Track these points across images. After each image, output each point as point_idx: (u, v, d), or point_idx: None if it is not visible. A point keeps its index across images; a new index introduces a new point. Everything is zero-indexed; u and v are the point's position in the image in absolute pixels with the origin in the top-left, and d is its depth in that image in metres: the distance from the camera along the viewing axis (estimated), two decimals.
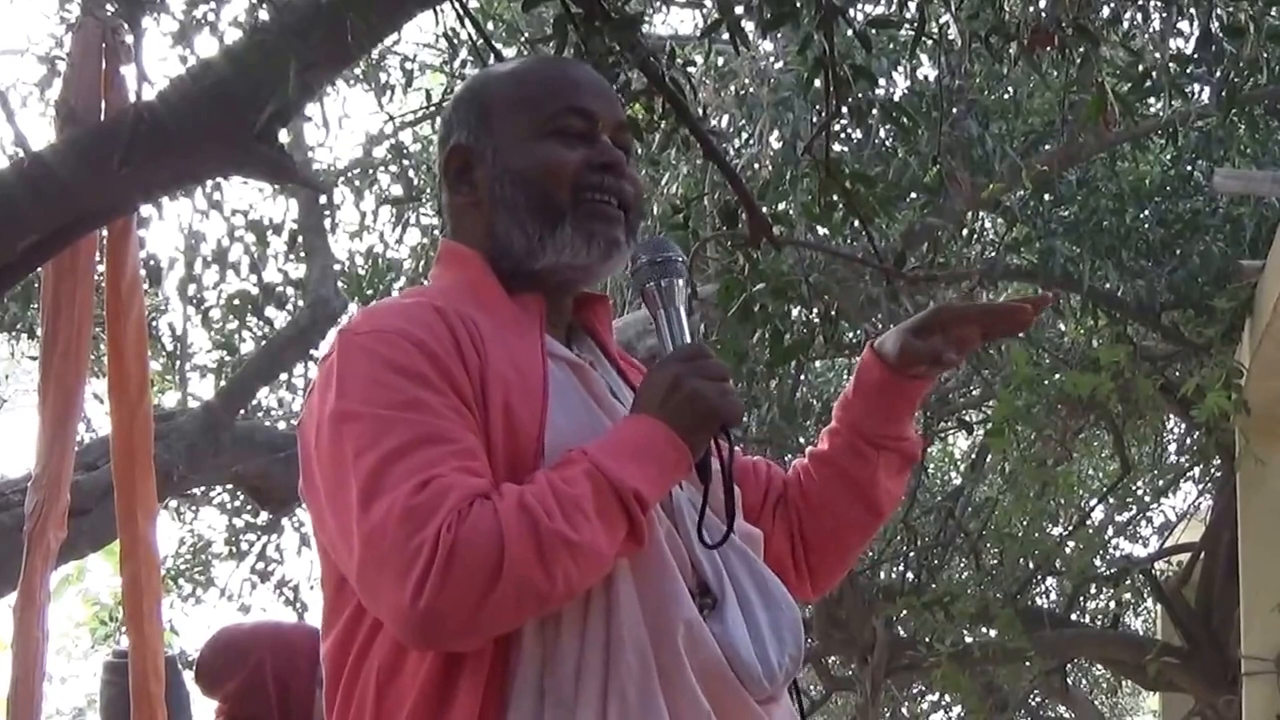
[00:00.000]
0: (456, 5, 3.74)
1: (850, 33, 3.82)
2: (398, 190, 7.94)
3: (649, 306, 1.72)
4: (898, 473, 1.87)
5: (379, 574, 1.49)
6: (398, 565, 1.47)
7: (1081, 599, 10.12)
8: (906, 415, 1.86)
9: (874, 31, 4.87)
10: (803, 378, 7.90)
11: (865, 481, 1.85)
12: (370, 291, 7.53)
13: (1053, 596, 10.92)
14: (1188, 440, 9.75)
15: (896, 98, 6.25)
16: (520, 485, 1.53)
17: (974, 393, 9.01)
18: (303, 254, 7.23)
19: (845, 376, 8.53)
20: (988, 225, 7.83)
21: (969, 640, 8.30)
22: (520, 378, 1.61)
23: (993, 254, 7.45)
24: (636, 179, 1.77)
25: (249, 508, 8.51)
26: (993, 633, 8.39)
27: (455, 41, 5.73)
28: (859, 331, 7.07)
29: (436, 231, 7.81)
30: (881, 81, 6.15)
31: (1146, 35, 4.70)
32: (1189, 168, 7.29)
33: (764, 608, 1.64)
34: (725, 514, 1.65)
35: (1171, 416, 9.05)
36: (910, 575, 9.02)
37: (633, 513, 1.53)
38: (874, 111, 4.76)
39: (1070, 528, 9.36)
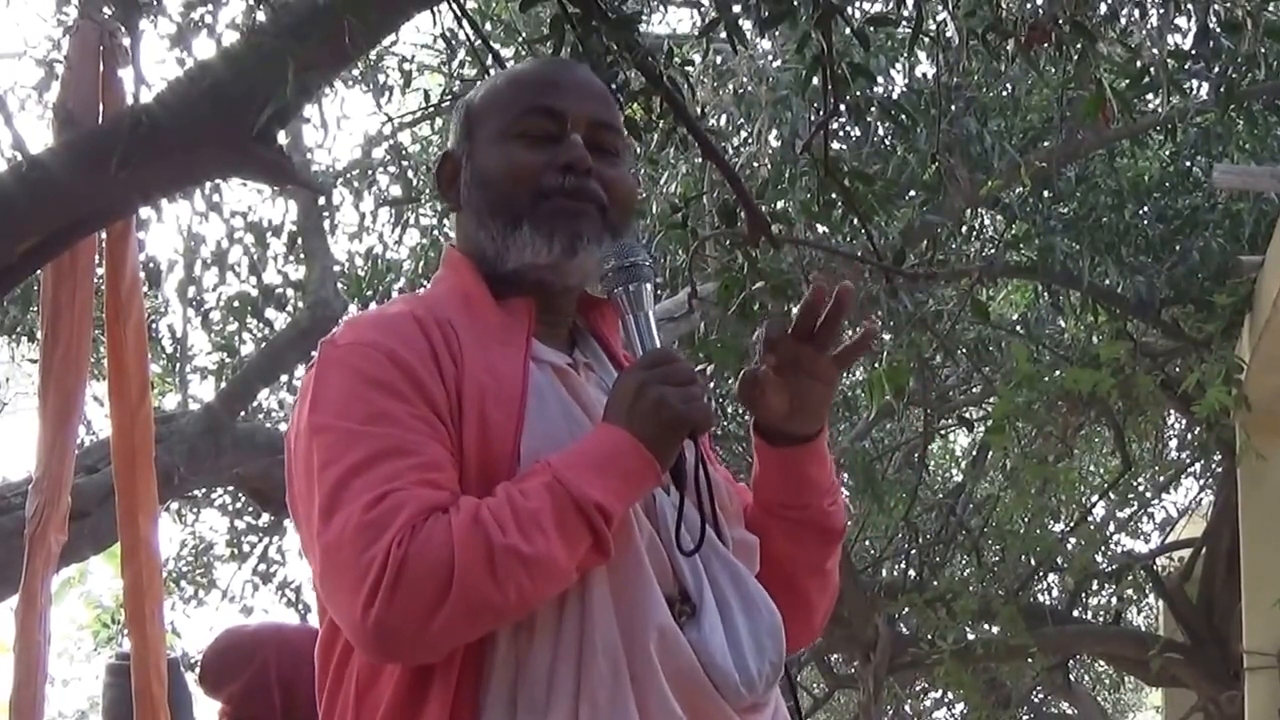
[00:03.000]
0: (454, 6, 3.73)
1: (848, 31, 3.81)
2: (397, 191, 7.94)
3: (618, 312, 1.70)
4: (806, 542, 1.75)
5: (336, 587, 1.52)
6: (351, 579, 1.49)
7: (1083, 595, 10.12)
8: (797, 484, 1.74)
9: (872, 29, 4.87)
10: None
11: (763, 546, 1.73)
12: (370, 293, 7.53)
13: (1054, 593, 10.92)
14: (1188, 436, 9.75)
15: (895, 95, 6.26)
16: (485, 497, 1.53)
17: (974, 390, 9.01)
18: (302, 255, 7.22)
19: (844, 376, 8.51)
20: (987, 222, 7.83)
21: (971, 637, 8.30)
22: (498, 385, 1.61)
23: (992, 251, 7.45)
24: (614, 175, 1.73)
25: (250, 509, 8.52)
26: (995, 629, 8.40)
27: (453, 42, 5.73)
28: (859, 330, 7.06)
29: (436, 232, 7.82)
30: (879, 79, 6.15)
31: (1144, 31, 4.69)
32: (1188, 164, 7.29)
33: (744, 615, 1.63)
34: (701, 517, 1.63)
35: (1172, 412, 9.06)
36: (912, 572, 9.02)
37: (596, 525, 1.52)
38: (872, 109, 4.76)
39: (1072, 524, 9.36)
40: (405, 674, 1.55)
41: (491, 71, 3.75)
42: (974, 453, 9.82)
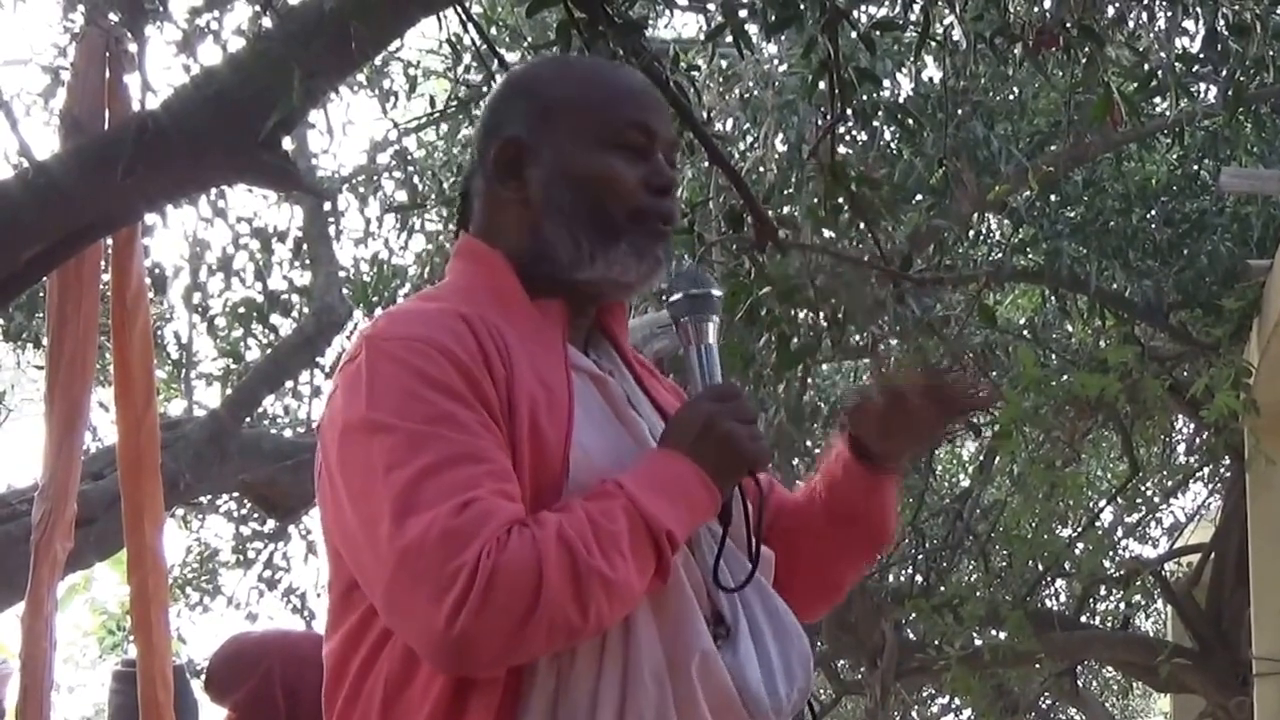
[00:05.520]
0: (460, 11, 3.73)
1: (854, 35, 3.80)
2: (402, 197, 7.94)
3: (682, 341, 1.70)
4: (861, 552, 1.85)
5: (411, 593, 1.47)
6: (434, 586, 1.45)
7: (1091, 601, 10.09)
8: (881, 508, 1.81)
9: (878, 34, 4.85)
10: (810, 381, 7.88)
11: (816, 549, 1.80)
12: (375, 299, 7.53)
13: (1062, 598, 10.90)
14: (1197, 440, 9.71)
15: (901, 100, 6.25)
16: (552, 510, 1.51)
17: (981, 395, 8.98)
18: (307, 261, 7.23)
19: (852, 379, 8.52)
20: (994, 227, 7.83)
21: (979, 643, 8.28)
22: (547, 393, 1.58)
23: (999, 255, 7.44)
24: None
25: (255, 516, 8.51)
26: (1002, 635, 8.37)
27: (459, 47, 5.73)
28: (866, 334, 7.06)
29: (441, 238, 7.81)
30: (886, 84, 6.14)
31: (1152, 35, 4.69)
32: (1195, 167, 7.28)
33: (775, 639, 1.63)
34: (749, 555, 1.64)
35: (1180, 417, 9.03)
36: (919, 578, 9.01)
37: (664, 552, 1.52)
38: (879, 114, 4.76)
39: (1079, 529, 9.34)
40: (444, 686, 1.52)
41: (498, 77, 3.75)
42: (981, 458, 9.80)
